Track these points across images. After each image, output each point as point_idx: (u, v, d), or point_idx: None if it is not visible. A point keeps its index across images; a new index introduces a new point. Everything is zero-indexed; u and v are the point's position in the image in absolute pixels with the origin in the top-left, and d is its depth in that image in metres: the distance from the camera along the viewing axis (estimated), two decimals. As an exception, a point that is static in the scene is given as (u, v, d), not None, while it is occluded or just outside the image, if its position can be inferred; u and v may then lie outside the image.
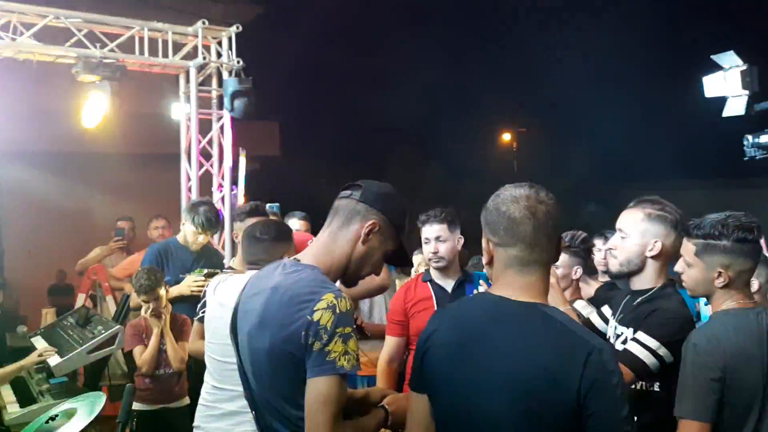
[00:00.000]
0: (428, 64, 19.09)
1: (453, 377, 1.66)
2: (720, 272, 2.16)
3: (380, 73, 18.80)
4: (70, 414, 2.41)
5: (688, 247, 2.24)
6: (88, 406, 2.40)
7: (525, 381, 1.56)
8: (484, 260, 1.76)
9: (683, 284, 2.33)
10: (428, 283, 3.46)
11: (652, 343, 2.27)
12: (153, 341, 3.87)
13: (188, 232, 4.38)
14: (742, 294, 2.20)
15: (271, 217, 4.66)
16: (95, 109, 5.31)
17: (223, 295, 2.84)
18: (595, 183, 20.59)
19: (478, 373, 1.62)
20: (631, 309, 2.47)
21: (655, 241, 2.41)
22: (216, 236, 5.50)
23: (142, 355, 3.86)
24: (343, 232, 1.85)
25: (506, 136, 26.10)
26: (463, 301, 1.92)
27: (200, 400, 2.89)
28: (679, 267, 2.31)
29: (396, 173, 18.06)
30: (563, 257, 3.41)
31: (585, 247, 3.60)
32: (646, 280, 2.45)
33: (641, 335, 2.31)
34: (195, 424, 2.87)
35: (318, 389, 1.65)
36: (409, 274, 4.98)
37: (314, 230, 4.63)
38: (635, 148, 19.71)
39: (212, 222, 4.38)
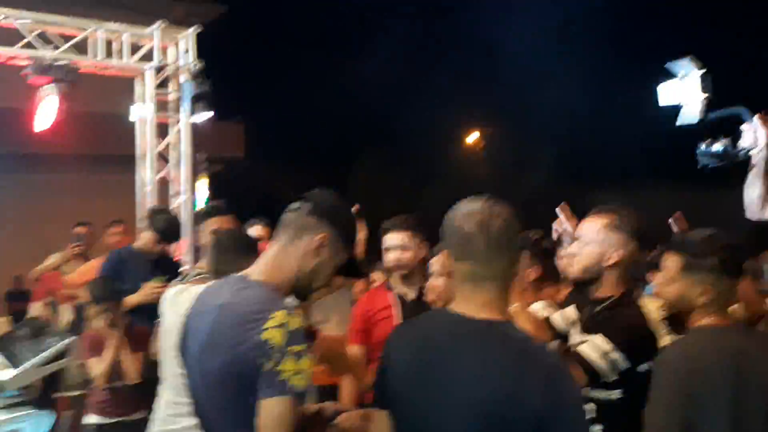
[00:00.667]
0: (394, 64, 19.06)
1: (411, 396, 1.64)
2: (704, 289, 2.15)
3: (346, 75, 18.71)
4: (14, 434, 2.31)
5: (673, 261, 2.23)
6: (34, 425, 2.30)
7: (484, 402, 1.54)
8: (439, 274, 1.73)
9: (657, 295, 2.34)
10: (389, 291, 3.41)
11: (605, 346, 2.26)
12: (109, 353, 3.77)
13: (147, 240, 4.28)
14: (721, 312, 2.20)
15: (256, 227, 4.57)
16: (47, 111, 5.15)
17: (183, 305, 2.74)
18: (563, 182, 20.77)
19: (437, 392, 1.60)
20: (592, 317, 2.47)
21: (614, 251, 2.41)
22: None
23: (97, 367, 3.74)
24: (293, 246, 1.81)
25: (473, 136, 26.22)
26: (424, 317, 1.87)
27: (155, 415, 2.81)
28: (659, 279, 2.32)
29: (362, 175, 18.02)
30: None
31: (542, 248, 3.37)
32: (606, 289, 2.45)
33: (596, 338, 2.31)
34: None
35: (270, 410, 1.60)
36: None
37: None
38: (601, 148, 19.97)
39: (173, 230, 4.30)
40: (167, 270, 4.35)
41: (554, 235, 3.31)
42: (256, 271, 1.82)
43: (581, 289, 3.23)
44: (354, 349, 3.37)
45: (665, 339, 2.49)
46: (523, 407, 1.51)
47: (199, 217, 3.79)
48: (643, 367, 2.26)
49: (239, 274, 1.84)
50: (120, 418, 3.80)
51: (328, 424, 1.83)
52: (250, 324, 1.64)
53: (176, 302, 2.82)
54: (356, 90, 18.23)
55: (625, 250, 2.41)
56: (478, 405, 1.54)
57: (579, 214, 2.63)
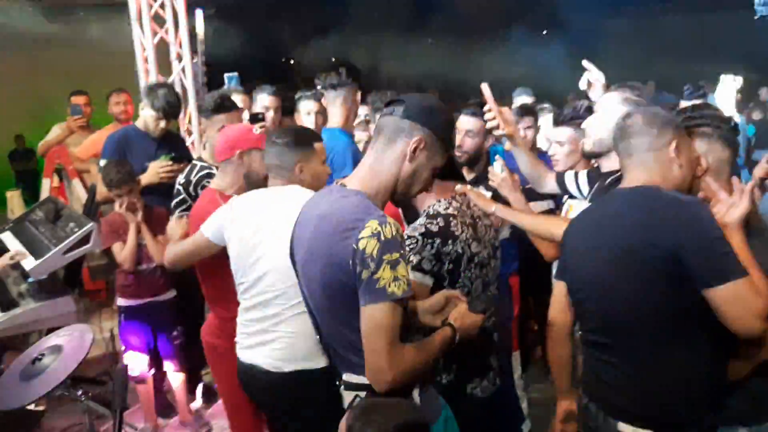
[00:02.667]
0: None
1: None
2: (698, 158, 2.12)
3: None
4: (56, 351, 2.31)
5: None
6: (75, 342, 2.30)
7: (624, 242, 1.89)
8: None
9: None
10: None
11: None
12: (131, 237, 3.72)
13: (148, 118, 4.08)
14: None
15: (235, 96, 4.33)
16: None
17: (241, 212, 2.59)
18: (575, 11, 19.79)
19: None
20: (603, 189, 2.56)
21: None
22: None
23: (122, 252, 3.73)
24: (388, 152, 1.79)
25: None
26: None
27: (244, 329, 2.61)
28: None
29: (363, 11, 17.13)
30: (567, 132, 3.28)
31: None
32: (616, 162, 2.39)
33: None
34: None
35: (371, 317, 1.65)
36: None
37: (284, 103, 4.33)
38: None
39: (174, 106, 4.10)
40: (173, 148, 4.20)
41: (582, 84, 3.21)
42: (354, 179, 1.83)
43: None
44: None
45: None
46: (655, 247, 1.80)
47: (206, 113, 3.59)
48: None
49: (339, 183, 1.85)
50: (149, 299, 3.84)
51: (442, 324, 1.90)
52: (346, 233, 1.67)
53: (236, 208, 2.62)
54: None
55: None
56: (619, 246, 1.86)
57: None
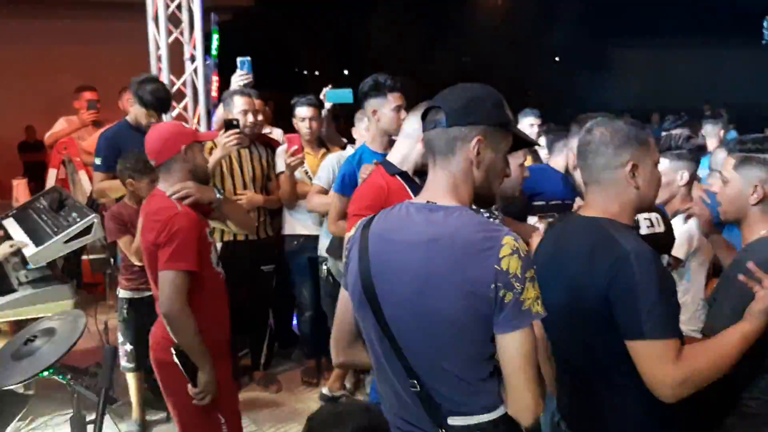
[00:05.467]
0: None
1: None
2: (756, 187, 2.06)
3: None
4: (49, 333, 2.34)
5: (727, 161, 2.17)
6: (69, 326, 2.33)
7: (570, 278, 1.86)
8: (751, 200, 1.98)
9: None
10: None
11: None
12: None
13: (139, 114, 4.10)
14: None
15: (240, 77, 4.34)
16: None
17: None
18: (584, 39, 19.94)
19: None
20: None
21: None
22: (189, 113, 5.24)
23: (132, 246, 3.71)
24: (452, 165, 1.64)
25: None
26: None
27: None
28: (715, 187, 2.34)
29: (376, 27, 17.30)
30: (664, 162, 2.82)
31: (690, 147, 2.98)
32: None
33: None
34: None
35: (518, 344, 1.53)
36: None
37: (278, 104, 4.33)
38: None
39: (163, 100, 4.10)
40: None
41: None
42: (437, 195, 1.65)
43: None
44: None
45: None
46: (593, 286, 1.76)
47: (227, 96, 3.65)
48: None
49: (420, 201, 1.68)
50: (151, 292, 3.86)
51: None
52: (483, 254, 1.51)
53: None
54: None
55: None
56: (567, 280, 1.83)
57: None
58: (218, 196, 2.88)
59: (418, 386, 1.62)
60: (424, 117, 1.70)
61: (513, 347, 1.53)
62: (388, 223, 1.68)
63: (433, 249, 1.55)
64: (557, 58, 21.69)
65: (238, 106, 4.08)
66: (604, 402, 1.87)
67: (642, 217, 2.27)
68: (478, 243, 1.52)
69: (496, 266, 1.50)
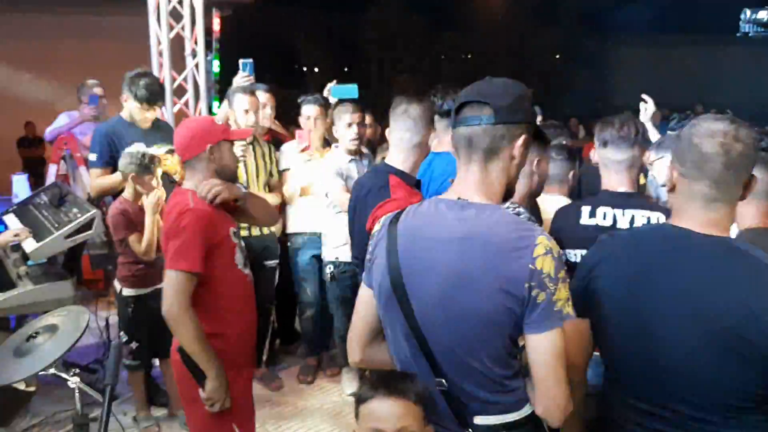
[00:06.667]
0: None
1: (631, 305, 1.65)
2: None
3: None
4: (51, 330, 2.32)
5: None
6: (71, 323, 2.30)
7: (721, 316, 1.52)
8: (667, 187, 1.70)
9: None
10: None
11: None
12: (150, 227, 3.69)
13: (132, 109, 4.06)
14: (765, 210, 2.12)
15: (242, 79, 4.33)
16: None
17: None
18: (582, 33, 19.92)
19: (662, 302, 1.60)
20: None
21: None
22: (190, 108, 5.21)
23: (142, 244, 3.68)
24: (493, 164, 1.62)
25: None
26: (638, 230, 1.85)
27: None
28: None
29: (376, 23, 17.27)
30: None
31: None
32: None
33: None
34: None
35: (551, 344, 1.53)
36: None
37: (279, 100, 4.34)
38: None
39: (156, 94, 4.04)
40: (163, 137, 4.09)
41: None
42: (468, 192, 1.63)
43: None
44: None
45: None
46: (760, 326, 1.49)
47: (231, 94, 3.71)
48: None
49: (451, 197, 1.64)
50: (155, 287, 3.84)
51: None
52: (516, 253, 1.51)
53: None
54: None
55: None
56: (715, 318, 1.53)
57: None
58: (242, 191, 2.78)
59: (446, 385, 1.61)
60: (458, 111, 1.65)
61: (545, 347, 1.53)
62: (418, 220, 1.66)
63: (466, 246, 1.54)
64: (557, 56, 21.64)
65: (241, 105, 4.08)
66: None
67: None
68: (512, 242, 1.52)
69: (530, 266, 1.50)
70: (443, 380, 1.61)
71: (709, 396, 1.58)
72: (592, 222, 2.49)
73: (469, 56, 20.71)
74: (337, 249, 4.10)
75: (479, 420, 1.62)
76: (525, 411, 1.62)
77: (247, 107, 4.08)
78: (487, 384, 1.59)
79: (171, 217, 2.49)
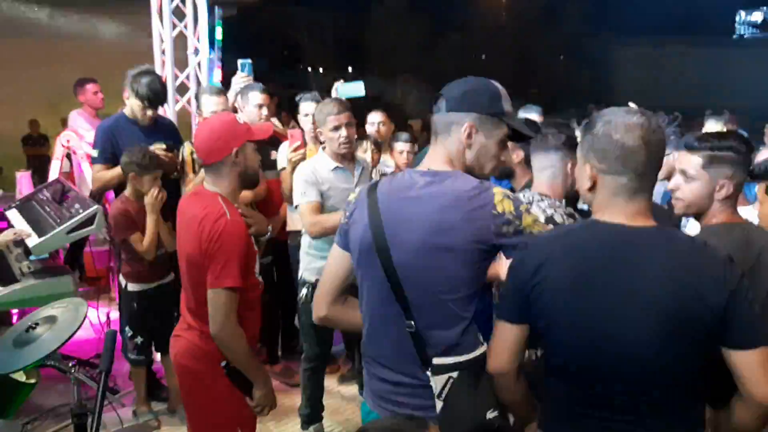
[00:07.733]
0: None
1: (577, 306, 1.67)
2: (724, 184, 2.15)
3: None
4: (51, 320, 2.34)
5: (692, 160, 2.20)
6: (70, 314, 2.33)
7: (671, 302, 1.58)
8: (585, 186, 1.73)
9: (676, 201, 2.27)
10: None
11: None
12: (152, 227, 3.74)
13: (135, 107, 4.08)
14: (733, 209, 2.21)
15: (241, 79, 4.38)
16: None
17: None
18: (587, 35, 19.93)
19: (612, 299, 1.62)
20: None
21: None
22: (193, 107, 5.23)
23: (144, 243, 3.73)
24: (447, 145, 1.90)
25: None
26: (572, 229, 1.86)
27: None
28: (673, 184, 2.26)
29: (379, 25, 17.29)
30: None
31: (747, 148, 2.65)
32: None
33: None
34: None
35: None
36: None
37: (284, 99, 4.36)
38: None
39: (158, 93, 4.07)
40: (165, 135, 4.19)
41: None
42: (436, 164, 1.90)
43: None
44: None
45: None
46: (704, 302, 1.57)
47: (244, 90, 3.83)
48: None
49: (418, 169, 1.92)
50: (159, 282, 3.89)
51: None
52: (479, 202, 1.78)
53: None
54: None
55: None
56: (665, 306, 1.58)
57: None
58: (268, 235, 2.87)
59: (414, 327, 1.82)
60: (433, 103, 1.93)
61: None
62: (395, 185, 1.91)
63: (440, 201, 1.80)
64: (561, 57, 21.64)
65: (254, 101, 4.20)
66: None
67: None
68: (475, 196, 1.79)
69: (492, 211, 1.78)
70: (412, 322, 1.82)
71: (655, 378, 1.63)
72: None
73: (473, 56, 20.74)
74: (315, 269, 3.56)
75: (438, 361, 1.82)
76: (478, 351, 1.84)
77: (260, 102, 4.20)
78: (455, 323, 1.82)
79: (205, 231, 2.35)
